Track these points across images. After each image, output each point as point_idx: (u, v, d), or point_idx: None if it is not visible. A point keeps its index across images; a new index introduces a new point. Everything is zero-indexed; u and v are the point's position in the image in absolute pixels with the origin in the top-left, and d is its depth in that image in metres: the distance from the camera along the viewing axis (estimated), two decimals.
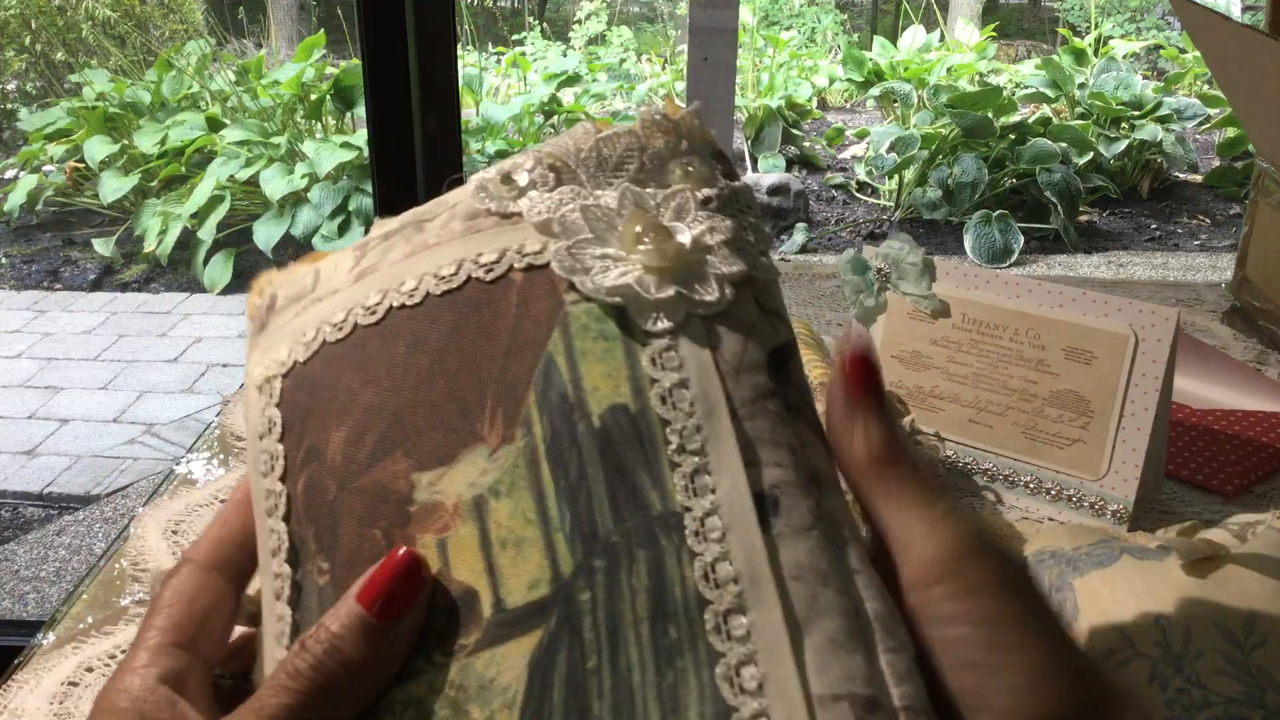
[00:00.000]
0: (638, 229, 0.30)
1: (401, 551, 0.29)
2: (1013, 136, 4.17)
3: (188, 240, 3.76)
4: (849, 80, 5.03)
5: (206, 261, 3.67)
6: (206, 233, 3.67)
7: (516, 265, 0.31)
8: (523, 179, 0.32)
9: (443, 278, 0.31)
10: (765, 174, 4.25)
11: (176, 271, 3.79)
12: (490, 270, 0.31)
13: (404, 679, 0.28)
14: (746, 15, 5.56)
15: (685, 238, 0.30)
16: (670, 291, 0.29)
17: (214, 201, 3.69)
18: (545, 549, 0.28)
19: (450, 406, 0.30)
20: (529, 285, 0.30)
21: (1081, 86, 4.57)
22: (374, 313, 0.32)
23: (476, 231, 0.32)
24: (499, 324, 0.30)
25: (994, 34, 6.02)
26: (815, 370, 0.79)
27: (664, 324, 0.29)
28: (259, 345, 0.34)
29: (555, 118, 4.42)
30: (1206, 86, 4.85)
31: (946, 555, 0.29)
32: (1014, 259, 3.75)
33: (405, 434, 0.30)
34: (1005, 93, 4.34)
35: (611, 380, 0.29)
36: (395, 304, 0.31)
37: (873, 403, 0.31)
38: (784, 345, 0.31)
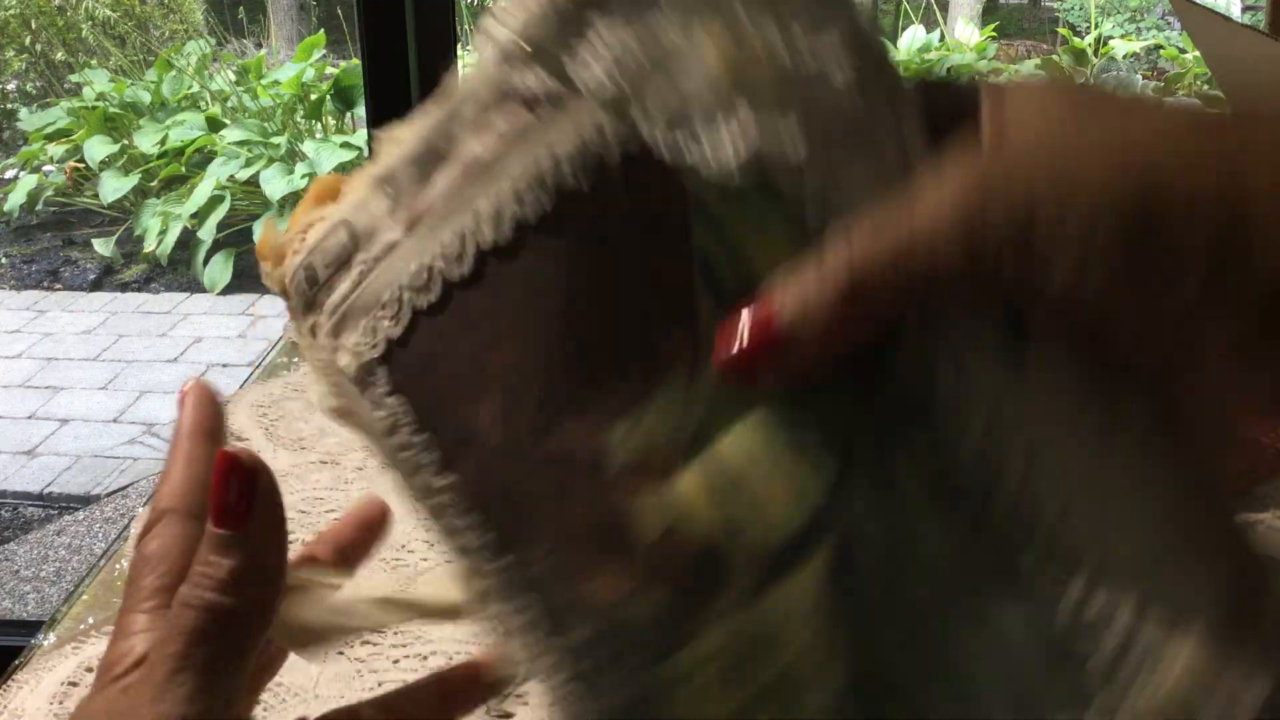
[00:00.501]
0: (723, 54, 0.24)
1: (220, 455, 0.28)
2: None
3: (188, 240, 3.76)
4: None
5: (206, 261, 3.67)
6: (206, 233, 3.67)
7: (609, 159, 0.25)
8: (550, 32, 0.25)
9: (528, 201, 0.25)
10: None
11: (176, 271, 3.79)
12: (580, 174, 0.25)
13: (669, 650, 0.25)
14: None
15: (775, 39, 0.25)
16: (792, 121, 0.24)
17: (214, 201, 3.69)
18: (791, 472, 0.25)
19: (611, 346, 0.25)
20: (635, 177, 0.25)
21: None
22: (461, 263, 0.26)
23: (534, 126, 0.25)
24: (623, 234, 0.25)
25: (994, 34, 6.02)
26: None
27: (800, 152, 0.24)
28: (321, 328, 0.28)
29: None
30: (1206, 86, 4.85)
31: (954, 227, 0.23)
32: None
33: (567, 391, 0.25)
34: None
35: (785, 244, 0.25)
36: (484, 247, 0.26)
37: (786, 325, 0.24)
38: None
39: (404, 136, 0.27)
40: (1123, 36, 6.04)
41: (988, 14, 7.32)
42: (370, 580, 0.32)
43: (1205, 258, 0.22)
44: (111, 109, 4.15)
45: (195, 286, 3.70)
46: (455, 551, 0.28)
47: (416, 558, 0.62)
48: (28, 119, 4.39)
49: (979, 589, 0.24)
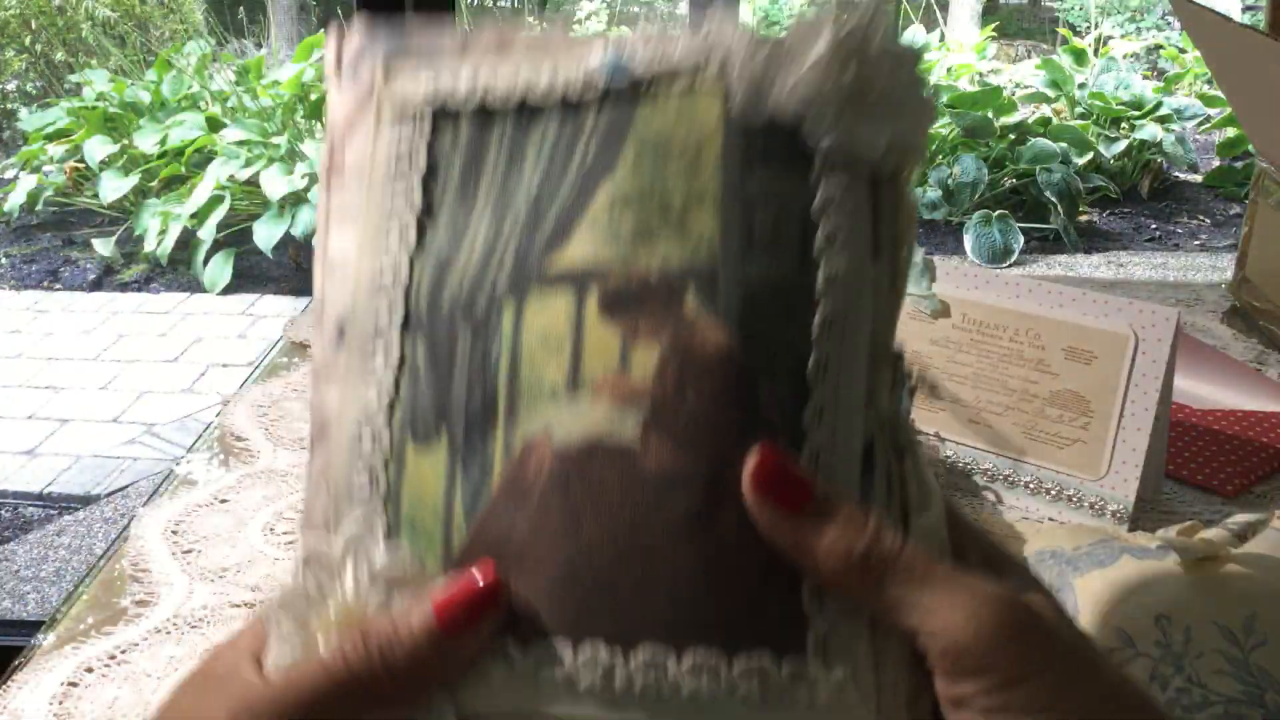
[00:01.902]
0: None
1: (486, 576, 0.29)
2: (1013, 136, 4.17)
3: (188, 240, 3.76)
4: None
5: (206, 261, 3.67)
6: (206, 233, 3.67)
7: None
8: None
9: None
10: None
11: (176, 271, 3.79)
12: None
13: None
14: (746, 15, 5.55)
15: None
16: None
17: (214, 201, 3.69)
18: None
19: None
20: None
21: (1081, 86, 4.57)
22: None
23: None
24: None
25: (994, 34, 6.02)
26: None
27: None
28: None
29: None
30: (1206, 86, 4.84)
31: (974, 642, 0.26)
32: (1014, 259, 3.75)
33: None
34: (1005, 93, 4.34)
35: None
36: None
37: (812, 508, 0.28)
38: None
39: None
40: (1123, 36, 6.03)
41: (988, 14, 7.32)
42: None
43: None
44: (111, 109, 4.15)
45: (195, 286, 3.70)
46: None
47: None
48: (28, 119, 4.39)
49: None
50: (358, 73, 0.35)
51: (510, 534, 0.30)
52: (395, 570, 0.30)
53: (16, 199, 4.00)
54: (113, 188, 3.85)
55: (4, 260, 3.91)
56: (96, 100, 4.21)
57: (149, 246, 3.74)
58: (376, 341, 0.32)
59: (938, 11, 6.33)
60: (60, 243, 4.03)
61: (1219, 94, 4.34)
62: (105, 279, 3.79)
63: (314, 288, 0.35)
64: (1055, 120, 4.41)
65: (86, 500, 2.43)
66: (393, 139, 0.34)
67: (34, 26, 4.90)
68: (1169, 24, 6.98)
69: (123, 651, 0.58)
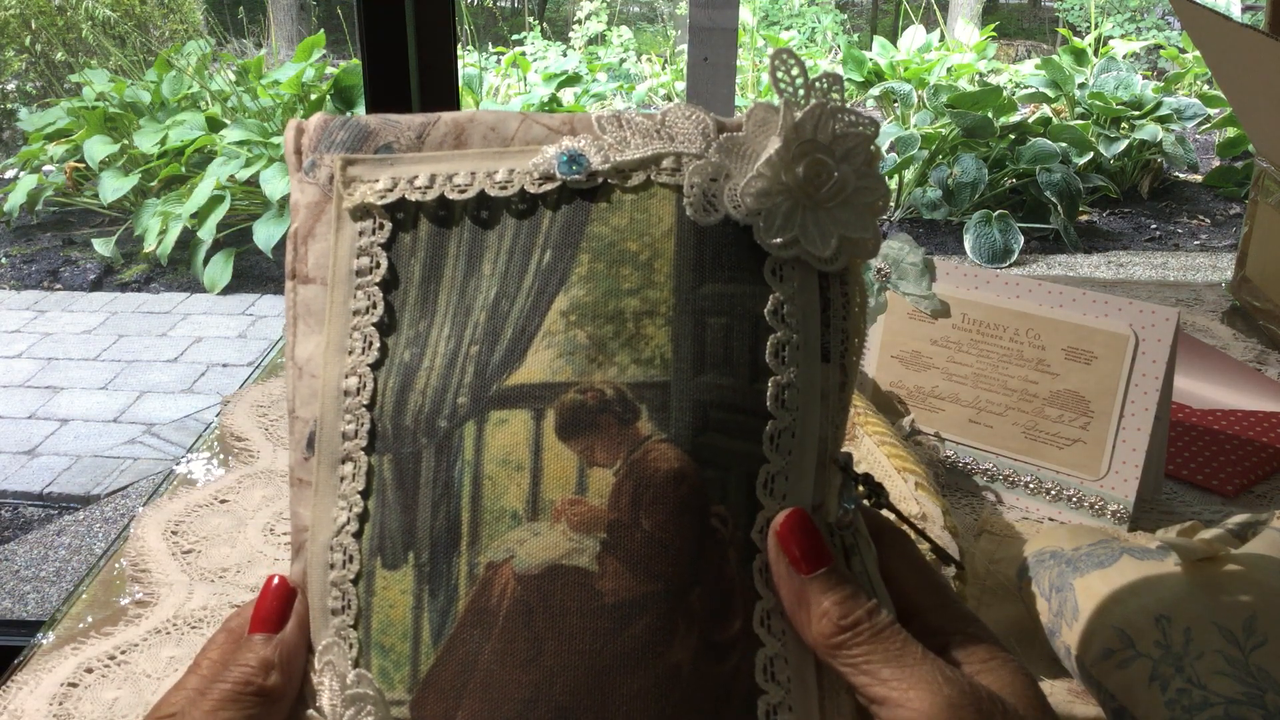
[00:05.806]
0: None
1: (276, 580, 0.34)
2: (1013, 136, 4.17)
3: (188, 240, 3.76)
4: (849, 80, 5.03)
5: (206, 261, 3.67)
6: (206, 233, 3.67)
7: None
8: None
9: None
10: None
11: (176, 271, 3.79)
12: None
13: None
14: (746, 15, 5.55)
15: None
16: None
17: (214, 201, 3.69)
18: None
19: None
20: None
21: (1081, 86, 4.57)
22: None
23: None
24: None
25: (994, 34, 6.01)
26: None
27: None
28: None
29: None
30: (1206, 86, 4.84)
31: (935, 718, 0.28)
32: (1014, 259, 3.75)
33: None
34: (1005, 93, 4.34)
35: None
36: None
37: (823, 573, 0.30)
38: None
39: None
40: (1123, 36, 6.03)
41: (988, 14, 7.31)
42: None
43: None
44: (111, 109, 4.15)
45: (195, 286, 3.70)
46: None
47: None
48: (28, 119, 4.39)
49: None
50: (316, 169, 0.35)
51: (476, 658, 0.31)
52: (361, 694, 0.32)
53: (16, 199, 4.00)
54: (113, 188, 3.85)
55: (4, 260, 3.91)
56: (96, 100, 4.21)
57: (149, 246, 3.74)
58: (345, 462, 0.34)
59: (938, 11, 6.32)
60: (60, 243, 4.03)
61: (1219, 94, 4.34)
62: (105, 279, 3.79)
63: (286, 385, 0.36)
64: (1055, 120, 4.41)
65: (86, 500, 2.43)
66: (351, 238, 0.34)
67: (34, 26, 4.89)
68: (1169, 24, 6.98)
69: (123, 652, 0.58)
